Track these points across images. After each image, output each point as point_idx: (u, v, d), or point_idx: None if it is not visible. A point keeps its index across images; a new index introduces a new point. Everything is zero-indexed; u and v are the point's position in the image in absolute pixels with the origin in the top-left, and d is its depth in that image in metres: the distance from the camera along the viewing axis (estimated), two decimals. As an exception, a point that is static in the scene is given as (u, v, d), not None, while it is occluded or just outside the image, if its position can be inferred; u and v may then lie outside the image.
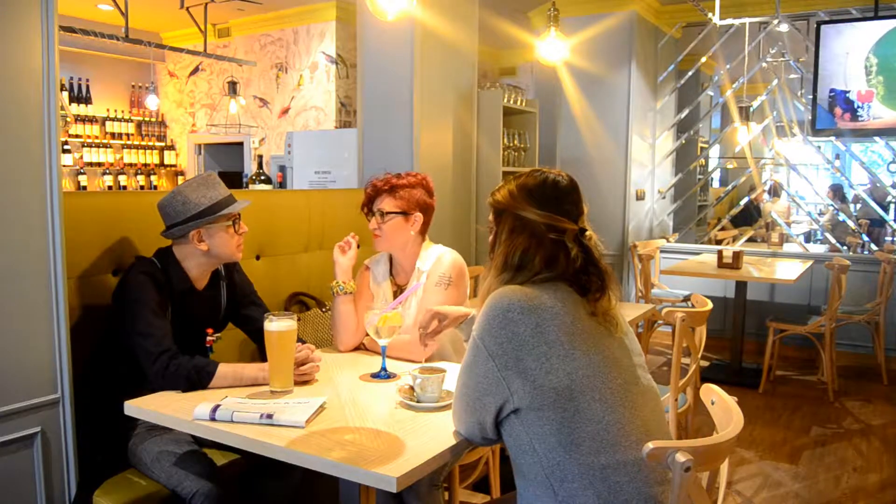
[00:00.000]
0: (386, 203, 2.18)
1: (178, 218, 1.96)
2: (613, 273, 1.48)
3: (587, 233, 1.47)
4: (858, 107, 4.93)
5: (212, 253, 2.01)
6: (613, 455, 1.31)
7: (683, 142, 6.48)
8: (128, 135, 7.15)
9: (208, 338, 2.08)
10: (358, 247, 2.30)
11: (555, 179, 1.49)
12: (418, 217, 2.21)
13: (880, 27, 4.81)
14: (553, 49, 4.31)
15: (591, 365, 1.34)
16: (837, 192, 7.23)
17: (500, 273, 1.45)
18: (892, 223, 5.63)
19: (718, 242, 6.35)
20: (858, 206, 6.99)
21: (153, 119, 7.46)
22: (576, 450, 1.31)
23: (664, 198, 6.42)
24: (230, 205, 2.01)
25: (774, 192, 7.37)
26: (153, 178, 7.35)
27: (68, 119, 6.46)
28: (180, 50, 6.41)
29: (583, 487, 1.30)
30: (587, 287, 1.42)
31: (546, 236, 1.43)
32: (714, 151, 8.05)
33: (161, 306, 1.92)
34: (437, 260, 2.21)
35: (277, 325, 1.77)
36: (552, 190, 1.48)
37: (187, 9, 5.60)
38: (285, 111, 6.70)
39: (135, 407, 1.71)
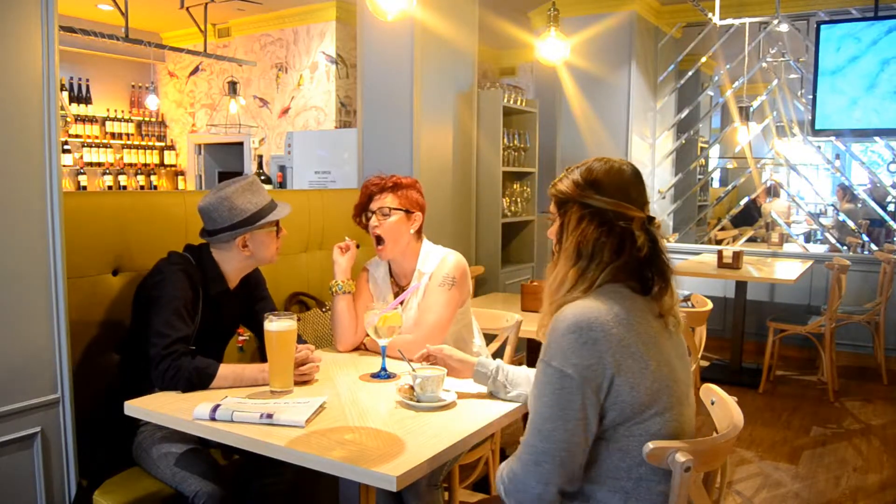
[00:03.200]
0: (388, 200, 2.17)
1: (223, 223, 1.96)
2: (673, 268, 1.43)
3: (654, 221, 1.42)
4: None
5: (254, 257, 2.03)
6: (653, 467, 1.28)
7: (683, 142, 6.48)
8: (128, 135, 7.15)
9: (240, 337, 2.09)
10: (358, 246, 2.30)
11: (620, 167, 1.44)
12: (418, 216, 2.22)
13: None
14: (553, 49, 4.31)
15: (661, 377, 1.31)
16: (846, 192, 7.18)
17: (574, 262, 1.39)
18: (892, 223, 5.63)
19: (718, 242, 6.35)
20: (858, 206, 6.97)
21: (153, 119, 7.45)
22: (620, 456, 1.30)
23: (664, 198, 6.42)
24: (273, 210, 2.03)
25: (774, 192, 7.35)
26: (153, 178, 7.35)
27: (68, 119, 6.46)
28: (180, 50, 6.41)
29: (611, 492, 1.30)
30: (649, 284, 1.38)
31: (615, 224, 1.38)
32: (714, 151, 8.04)
33: (189, 305, 1.92)
34: (441, 261, 2.21)
35: (277, 325, 1.77)
36: (618, 178, 1.42)
37: (187, 9, 5.60)
38: (285, 111, 6.70)
39: (135, 407, 1.71)
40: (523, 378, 1.72)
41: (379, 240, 2.18)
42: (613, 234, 1.38)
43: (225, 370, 1.85)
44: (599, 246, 1.38)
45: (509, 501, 1.33)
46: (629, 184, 1.43)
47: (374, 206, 2.19)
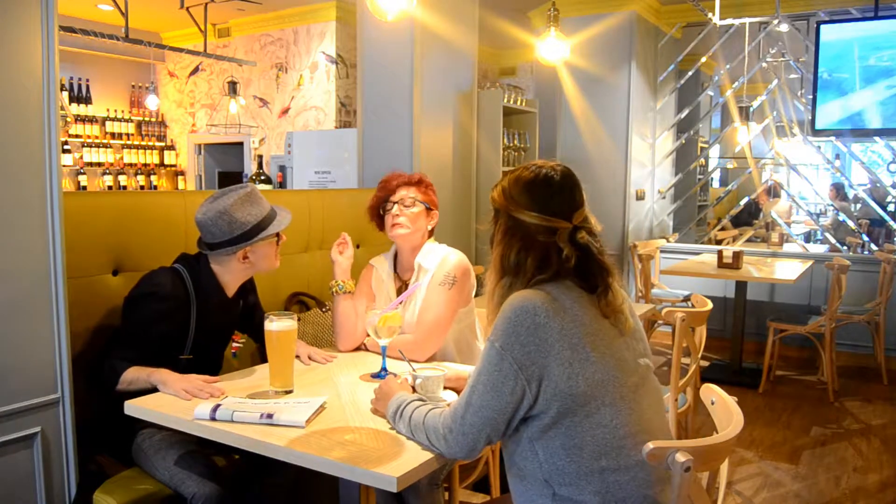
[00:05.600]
0: (413, 192, 2.21)
1: (223, 238, 1.93)
2: (614, 267, 1.42)
3: (580, 232, 1.40)
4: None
5: (255, 267, 2.01)
6: (615, 458, 1.30)
7: (683, 142, 6.48)
8: (128, 135, 7.15)
9: (234, 343, 2.08)
10: (358, 247, 2.31)
11: (547, 175, 1.43)
12: (435, 215, 2.26)
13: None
14: (553, 49, 4.31)
15: (606, 369, 1.32)
16: (840, 191, 7.20)
17: (500, 277, 1.42)
18: (892, 223, 5.63)
19: (718, 242, 6.35)
20: (858, 206, 6.98)
21: (153, 119, 7.46)
22: (578, 453, 1.30)
23: (664, 198, 6.42)
24: (273, 219, 2.00)
25: (774, 192, 7.36)
26: (153, 178, 7.35)
27: (68, 119, 6.45)
28: (180, 50, 6.41)
29: (579, 489, 1.30)
30: (592, 283, 1.38)
31: (536, 238, 1.38)
32: (714, 151, 8.04)
33: (161, 322, 1.91)
34: (442, 260, 2.21)
35: (277, 325, 1.77)
36: (544, 187, 1.42)
37: (187, 9, 5.60)
38: (285, 111, 6.70)
39: (135, 407, 1.72)
40: None
41: (398, 224, 2.19)
42: (535, 249, 1.38)
43: (129, 373, 1.85)
44: (521, 260, 1.39)
45: (432, 448, 1.41)
46: (556, 192, 1.42)
47: (395, 197, 2.22)
